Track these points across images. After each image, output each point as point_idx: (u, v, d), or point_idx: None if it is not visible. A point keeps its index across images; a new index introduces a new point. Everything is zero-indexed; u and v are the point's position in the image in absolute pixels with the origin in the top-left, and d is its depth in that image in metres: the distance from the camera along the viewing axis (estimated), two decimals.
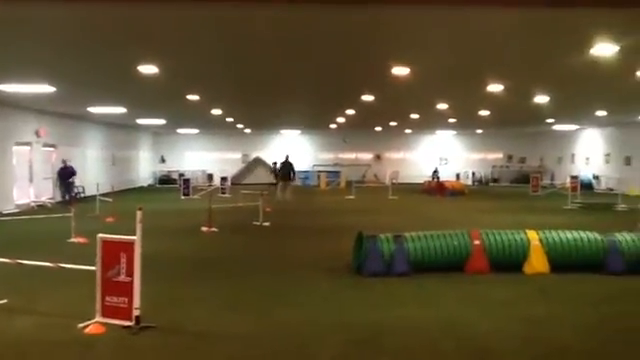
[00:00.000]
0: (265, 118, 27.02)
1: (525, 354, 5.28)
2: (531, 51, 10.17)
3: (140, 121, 26.33)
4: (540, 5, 5.67)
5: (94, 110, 20.54)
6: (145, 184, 35.26)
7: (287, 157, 24.71)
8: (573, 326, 6.14)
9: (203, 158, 38.37)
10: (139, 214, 5.95)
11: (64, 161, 21.04)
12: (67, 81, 13.74)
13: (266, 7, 6.73)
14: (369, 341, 5.63)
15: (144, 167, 35.74)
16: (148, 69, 11.40)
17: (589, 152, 33.18)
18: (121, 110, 20.46)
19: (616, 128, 30.02)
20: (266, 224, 14.80)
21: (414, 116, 24.49)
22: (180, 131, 35.01)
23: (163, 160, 38.39)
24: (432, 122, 28.36)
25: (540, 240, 9.00)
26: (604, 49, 9.38)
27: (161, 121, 26.36)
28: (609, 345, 5.54)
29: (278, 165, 24.39)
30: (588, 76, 12.60)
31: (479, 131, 36.31)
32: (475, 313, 6.64)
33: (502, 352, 5.33)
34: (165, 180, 36.04)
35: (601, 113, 22.99)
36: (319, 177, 34.63)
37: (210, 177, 34.88)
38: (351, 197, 25.40)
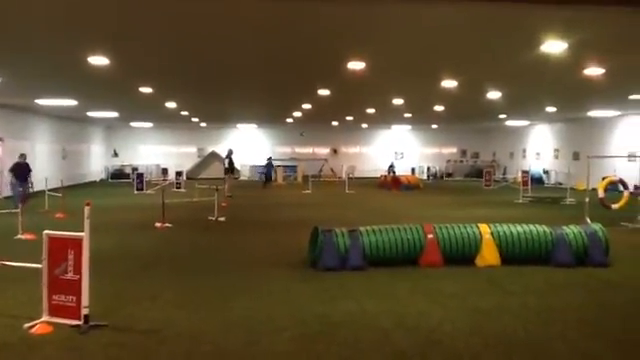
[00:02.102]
0: (221, 112, 26.75)
1: (472, 343, 5.38)
2: (483, 48, 10.37)
3: (91, 114, 25.67)
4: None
5: (43, 102, 19.90)
6: (97, 179, 34.46)
7: (230, 152, 24.24)
8: (520, 316, 6.30)
9: (157, 152, 37.76)
10: (87, 210, 5.79)
11: (22, 155, 17.24)
12: (13, 72, 13.28)
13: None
14: (322, 334, 5.64)
15: (96, 161, 34.89)
16: (98, 60, 11.12)
17: (539, 147, 34.13)
18: (71, 102, 19.90)
19: (565, 124, 30.97)
20: (222, 219, 14.67)
21: (370, 111, 24.66)
22: (133, 124, 34.31)
23: (116, 154, 37.56)
24: (388, 117, 28.64)
25: (491, 233, 9.21)
26: (553, 46, 9.63)
27: (113, 114, 25.78)
28: (553, 333, 5.70)
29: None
30: (538, 72, 12.93)
31: (434, 126, 36.89)
32: (426, 305, 6.73)
33: (451, 342, 5.43)
34: (118, 175, 35.31)
35: (551, 109, 23.68)
36: (276, 171, 34.50)
37: (165, 171, 34.31)
38: (308, 191, 25.43)
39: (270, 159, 31.98)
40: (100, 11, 7.80)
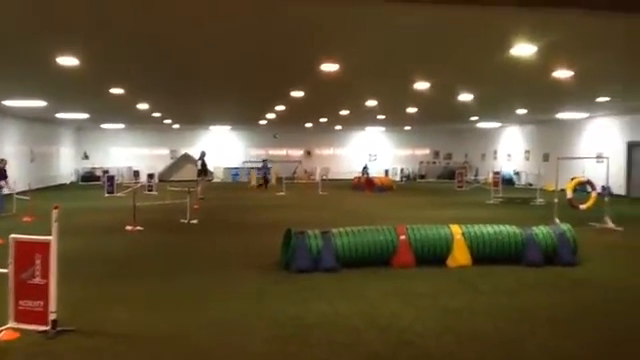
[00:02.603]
0: (193, 114, 26.51)
1: (444, 343, 5.43)
2: (454, 51, 10.47)
3: (61, 115, 25.19)
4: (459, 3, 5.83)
5: (10, 103, 19.47)
6: (67, 181, 33.84)
7: (203, 153, 23.89)
8: (490, 315, 6.38)
9: (129, 154, 37.24)
10: (55, 213, 5.68)
11: (2, 161, 17.12)
12: None
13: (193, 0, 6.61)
14: (295, 336, 5.63)
15: (65, 164, 34.25)
16: (68, 61, 10.92)
17: (510, 149, 34.62)
18: (40, 104, 19.50)
19: (535, 126, 31.47)
20: (194, 222, 14.54)
21: (344, 112, 24.71)
22: (104, 126, 33.80)
23: (86, 156, 36.93)
24: (361, 119, 28.73)
25: (463, 234, 9.31)
26: (523, 49, 9.78)
27: (84, 115, 25.34)
28: (523, 332, 5.78)
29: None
30: (509, 75, 13.11)
31: (407, 128, 37.13)
32: (399, 305, 6.77)
33: (423, 342, 5.47)
34: (88, 177, 34.73)
35: (521, 111, 24.03)
36: (249, 173, 34.36)
37: (136, 174, 33.89)
38: (281, 193, 25.38)
39: (265, 161, 31.82)
40: (69, 11, 7.66)
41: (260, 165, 32.57)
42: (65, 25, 8.46)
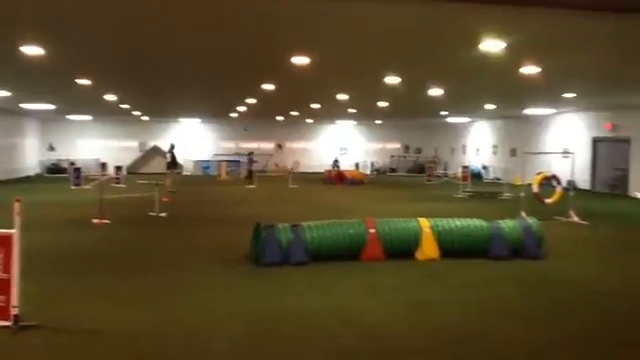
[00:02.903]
0: (163, 106, 26.20)
1: (413, 337, 5.48)
2: (424, 46, 10.53)
3: (26, 106, 24.60)
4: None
5: None
6: (32, 173, 33.11)
7: (172, 146, 23.55)
8: (458, 308, 6.46)
9: (96, 146, 36.61)
10: (17, 206, 5.55)
11: None
12: None
13: None
14: (264, 331, 5.61)
15: (31, 155, 33.49)
16: (32, 50, 10.66)
17: (479, 143, 35.08)
18: (3, 94, 19.02)
19: (503, 121, 31.93)
20: (163, 215, 14.38)
21: (315, 106, 24.70)
22: (71, 117, 33.12)
23: (52, 148, 36.17)
24: (333, 112, 28.76)
25: (431, 227, 9.39)
26: (491, 45, 9.88)
27: (50, 106, 24.78)
28: (489, 324, 5.87)
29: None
30: (477, 71, 13.24)
31: (378, 122, 37.31)
32: (368, 299, 6.81)
33: (392, 335, 5.51)
34: (54, 169, 34.02)
35: (490, 107, 24.34)
36: (220, 166, 34.11)
37: (104, 166, 33.33)
38: (252, 187, 25.27)
39: (251, 154, 31.47)
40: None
41: (245, 158, 31.99)
42: (29, 13, 8.24)
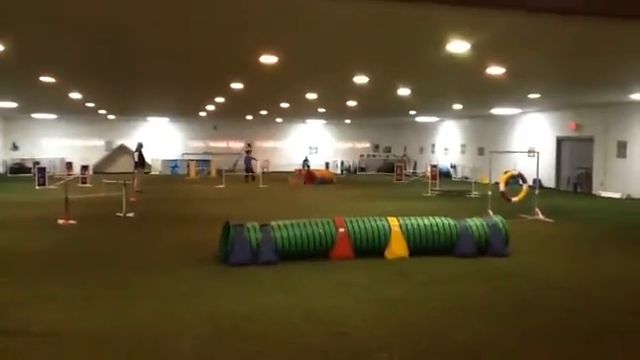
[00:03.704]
0: (130, 104, 25.82)
1: (379, 334, 5.51)
2: (391, 46, 10.59)
3: None
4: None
5: None
6: None
7: (140, 145, 23.18)
8: (425, 305, 6.52)
9: (62, 145, 35.89)
10: None
11: None
12: None
13: None
14: (230, 330, 5.58)
15: None
16: None
17: (448, 143, 35.49)
18: None
19: (471, 121, 32.37)
20: (130, 215, 14.17)
21: (284, 105, 24.65)
22: (35, 116, 32.39)
23: (15, 147, 35.33)
24: (302, 111, 28.76)
25: (400, 226, 9.45)
26: (458, 46, 10.00)
27: (12, 104, 24.18)
28: (455, 321, 5.95)
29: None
30: (444, 71, 13.39)
31: (348, 121, 37.44)
32: (336, 298, 6.82)
33: (359, 333, 5.53)
34: (18, 169, 33.25)
35: (457, 106, 24.63)
36: (189, 166, 33.80)
37: (69, 165, 32.71)
38: (221, 186, 25.11)
39: (249, 152, 31.19)
40: None
41: (243, 158, 31.73)
42: None
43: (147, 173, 29.42)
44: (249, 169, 29.65)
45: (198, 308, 6.33)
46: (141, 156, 22.74)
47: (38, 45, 10.92)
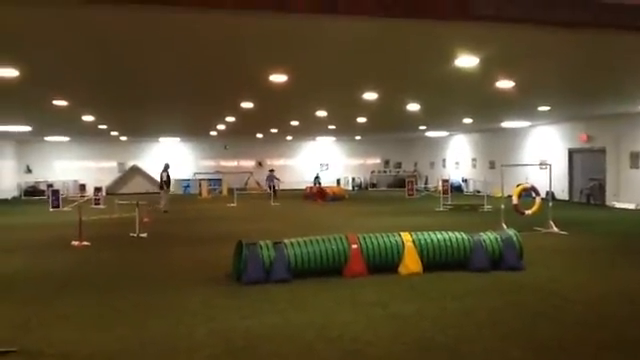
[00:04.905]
0: (141, 125, 26.05)
1: (393, 350, 5.48)
2: (400, 62, 10.65)
3: (0, 128, 24.30)
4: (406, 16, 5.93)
5: None
6: (9, 196, 32.63)
7: (167, 166, 23.74)
8: (439, 321, 6.48)
9: (75, 167, 36.23)
10: None
11: None
12: None
13: (139, 9, 6.49)
14: (244, 349, 5.58)
15: (7, 178, 33.03)
16: (7, 72, 10.58)
17: (458, 157, 35.40)
18: None
19: (481, 134, 32.31)
20: (143, 235, 14.25)
21: (294, 123, 24.77)
22: (48, 139, 32.76)
23: (29, 170, 35.71)
24: (312, 129, 28.85)
25: (413, 241, 9.43)
26: (466, 61, 10.04)
27: (26, 128, 24.50)
28: (469, 336, 5.90)
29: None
30: (453, 86, 13.42)
31: (358, 137, 37.48)
32: (349, 315, 6.80)
33: (373, 350, 5.50)
34: (32, 192, 33.59)
35: (467, 120, 24.61)
36: (200, 185, 33.96)
37: (83, 187, 32.99)
38: (233, 205, 25.18)
39: (272, 171, 31.55)
40: (7, 21, 7.43)
41: (266, 176, 32.08)
42: (2, 34, 8.19)
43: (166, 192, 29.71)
44: (271, 187, 29.86)
45: (212, 327, 6.34)
46: (168, 177, 23.00)
47: (51, 70, 11.10)
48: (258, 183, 36.68)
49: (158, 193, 24.25)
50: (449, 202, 22.93)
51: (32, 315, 6.96)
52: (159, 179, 23.28)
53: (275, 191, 28.62)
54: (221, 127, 26.30)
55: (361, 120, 23.31)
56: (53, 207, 23.28)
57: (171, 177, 23.70)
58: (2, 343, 5.50)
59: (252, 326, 6.34)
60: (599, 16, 5.76)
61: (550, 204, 14.69)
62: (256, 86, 13.13)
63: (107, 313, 7.05)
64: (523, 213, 14.77)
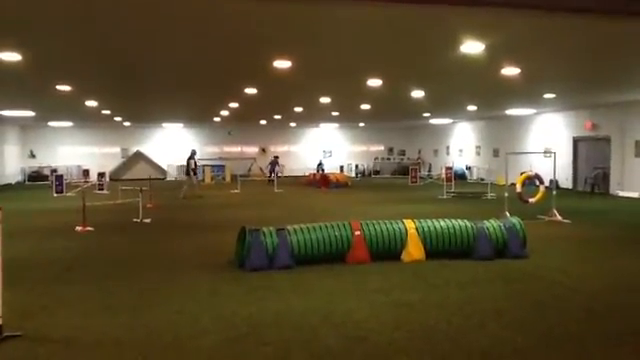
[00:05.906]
0: (145, 111, 26.03)
1: (397, 337, 5.48)
2: (405, 48, 10.58)
3: (4, 113, 24.31)
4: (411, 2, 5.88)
5: None
6: (13, 181, 32.71)
7: (193, 152, 23.37)
8: (442, 308, 6.47)
9: (78, 153, 36.29)
10: None
11: None
12: None
13: None
14: (248, 335, 5.58)
15: (11, 163, 33.10)
16: (10, 56, 10.55)
17: (462, 144, 35.31)
18: None
19: (485, 122, 32.18)
20: (147, 221, 14.28)
21: (298, 109, 24.71)
22: (52, 124, 32.79)
23: (33, 155, 35.76)
24: (316, 115, 28.79)
25: (416, 229, 9.41)
26: (472, 47, 9.96)
27: (29, 113, 24.51)
28: (473, 324, 5.89)
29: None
30: (458, 72, 13.34)
31: (361, 124, 37.39)
32: (353, 302, 6.80)
33: (376, 336, 5.50)
34: (35, 177, 33.67)
35: (472, 108, 24.52)
36: (204, 171, 33.96)
37: (86, 173, 33.03)
38: (236, 191, 25.19)
39: (276, 157, 31.59)
40: (10, 5, 7.38)
41: (270, 161, 32.32)
42: (5, 18, 8.14)
43: (163, 179, 29.70)
44: (272, 172, 29.86)
45: (215, 313, 6.34)
46: (195, 163, 22.85)
47: (55, 54, 11.07)
48: (261, 169, 36.68)
49: (163, 179, 24.29)
50: (452, 190, 22.89)
51: (36, 300, 6.98)
52: (186, 165, 23.15)
53: (277, 177, 28.60)
54: (224, 113, 26.26)
55: (365, 107, 23.24)
56: (57, 192, 23.31)
57: (197, 163, 23.59)
58: (7, 328, 5.51)
59: (256, 312, 6.34)
60: (610, 2, 5.69)
61: (554, 192, 14.64)
62: (260, 72, 13.08)
63: (111, 299, 7.06)
64: (527, 201, 14.73)
